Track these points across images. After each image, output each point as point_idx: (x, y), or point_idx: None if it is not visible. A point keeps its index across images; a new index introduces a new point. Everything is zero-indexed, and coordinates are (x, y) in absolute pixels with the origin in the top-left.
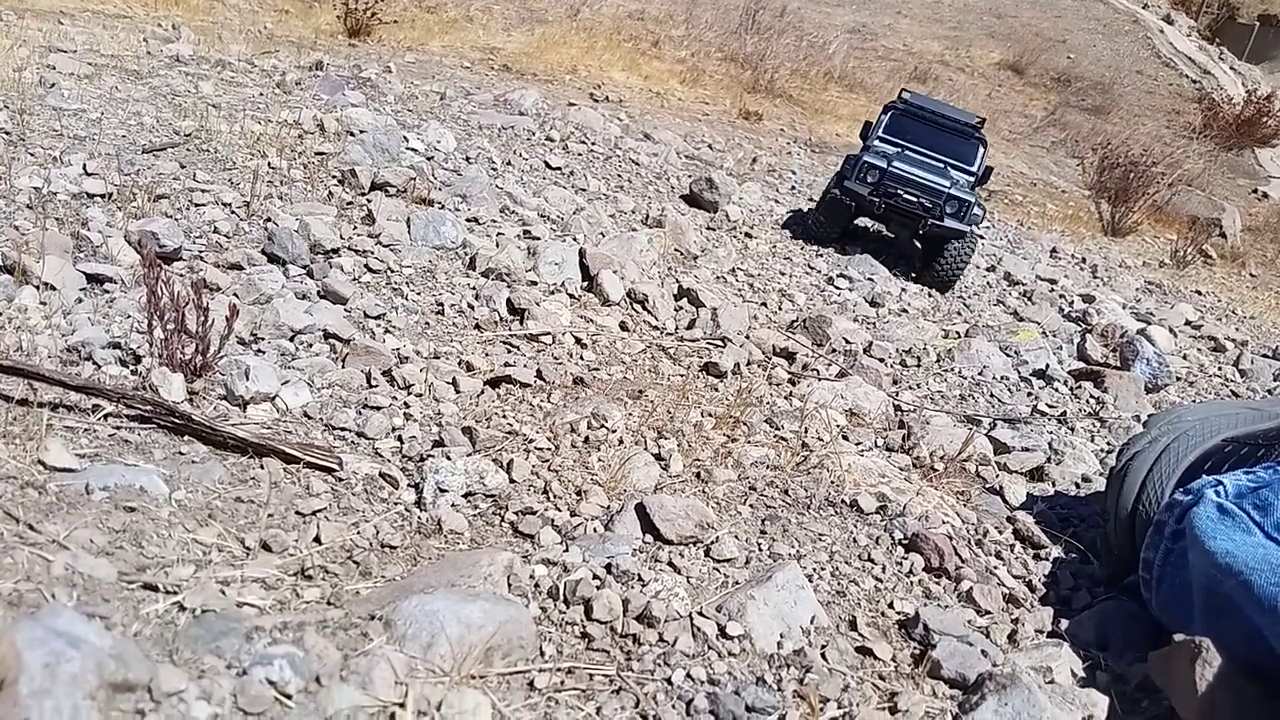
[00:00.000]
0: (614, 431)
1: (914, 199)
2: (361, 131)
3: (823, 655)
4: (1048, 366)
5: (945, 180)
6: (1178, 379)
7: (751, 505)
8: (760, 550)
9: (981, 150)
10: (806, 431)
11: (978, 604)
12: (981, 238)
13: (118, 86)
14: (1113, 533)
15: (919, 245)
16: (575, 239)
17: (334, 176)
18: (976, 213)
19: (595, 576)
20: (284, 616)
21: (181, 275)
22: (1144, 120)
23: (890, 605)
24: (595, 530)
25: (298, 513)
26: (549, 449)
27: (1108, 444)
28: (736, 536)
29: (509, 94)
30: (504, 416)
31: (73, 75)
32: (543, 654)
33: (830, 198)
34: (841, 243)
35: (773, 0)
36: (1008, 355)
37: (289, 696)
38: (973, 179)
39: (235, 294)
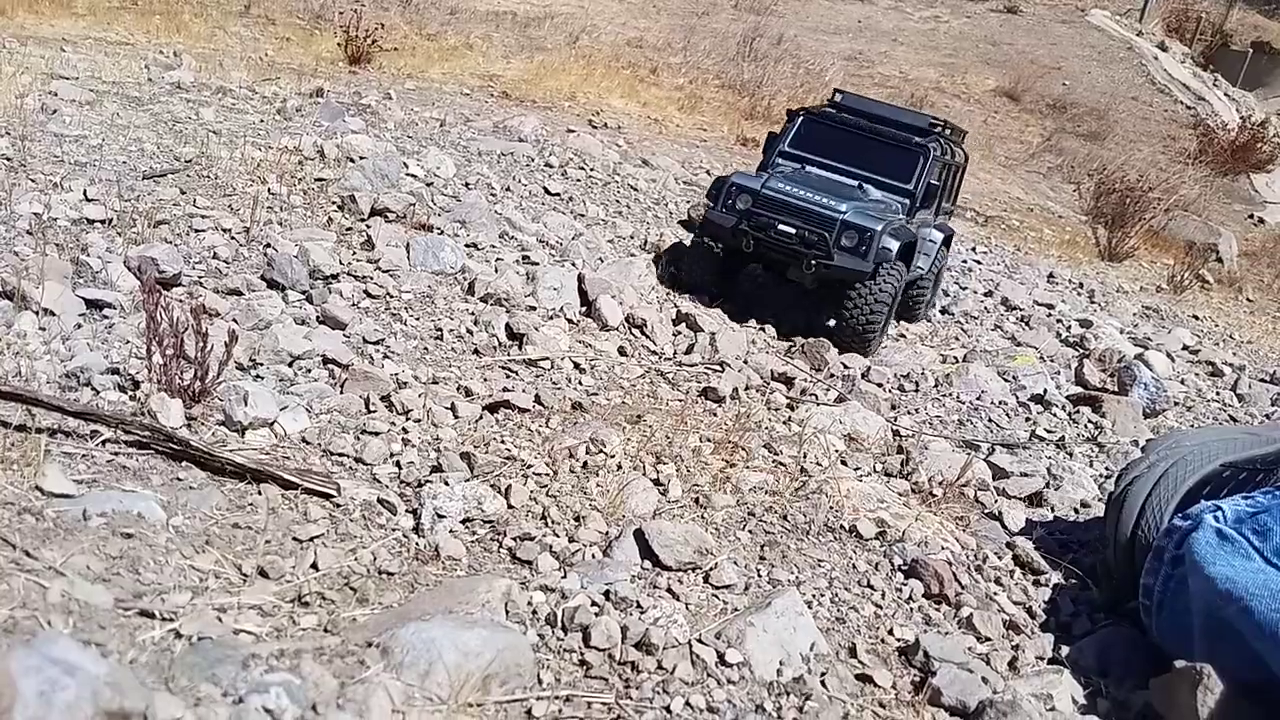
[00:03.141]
0: (612, 457)
1: (793, 230)
2: (361, 158)
3: (822, 683)
4: (1046, 391)
5: (843, 205)
6: (1175, 404)
7: (750, 531)
8: (759, 576)
9: (923, 161)
10: (805, 456)
11: (978, 630)
12: (979, 262)
13: (119, 113)
14: (1112, 558)
15: (823, 291)
16: (574, 264)
17: (334, 202)
18: (888, 246)
19: (593, 603)
20: (281, 644)
21: (181, 301)
22: (1139, 146)
23: (890, 632)
24: (594, 556)
25: (295, 539)
26: (547, 474)
27: (1106, 469)
28: (735, 562)
29: (508, 120)
30: (502, 442)
31: (74, 102)
32: (540, 682)
33: (695, 238)
34: (722, 290)
35: (770, 28)
36: (1006, 380)
37: None
38: (908, 201)
39: (234, 320)
